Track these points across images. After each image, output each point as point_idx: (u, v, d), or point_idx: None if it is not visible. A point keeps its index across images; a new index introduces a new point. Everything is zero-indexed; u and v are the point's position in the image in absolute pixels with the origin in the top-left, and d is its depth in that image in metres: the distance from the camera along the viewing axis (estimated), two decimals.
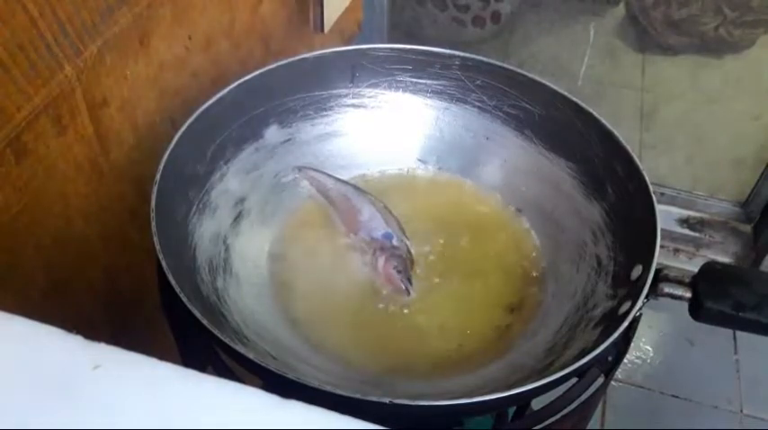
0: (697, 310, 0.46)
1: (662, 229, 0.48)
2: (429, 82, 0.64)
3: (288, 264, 0.56)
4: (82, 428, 0.24)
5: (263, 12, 0.71)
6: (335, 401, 0.37)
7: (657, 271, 0.47)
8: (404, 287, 0.53)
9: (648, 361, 1.13)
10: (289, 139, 0.62)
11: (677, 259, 1.25)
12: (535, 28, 1.60)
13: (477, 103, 0.63)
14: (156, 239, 0.44)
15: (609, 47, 1.63)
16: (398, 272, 0.53)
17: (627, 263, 0.51)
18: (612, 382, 0.51)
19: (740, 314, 0.45)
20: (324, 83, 0.62)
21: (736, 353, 1.14)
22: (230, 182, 0.57)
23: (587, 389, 0.46)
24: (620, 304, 0.48)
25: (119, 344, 0.26)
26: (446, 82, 0.63)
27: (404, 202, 0.61)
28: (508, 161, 0.63)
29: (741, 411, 1.06)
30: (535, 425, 0.44)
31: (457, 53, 0.62)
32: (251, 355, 0.39)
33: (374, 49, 0.62)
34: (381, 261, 0.54)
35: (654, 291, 0.46)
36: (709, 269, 0.47)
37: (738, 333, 1.15)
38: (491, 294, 0.55)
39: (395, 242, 0.56)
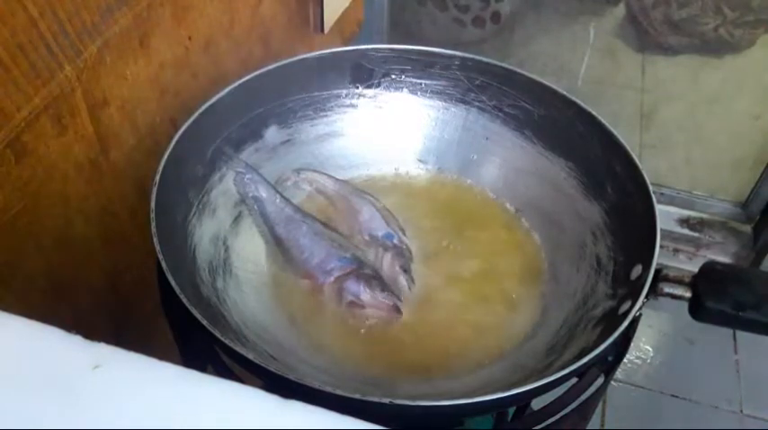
0: (697, 310, 0.46)
1: (662, 229, 0.48)
2: (429, 82, 0.64)
3: (287, 264, 0.56)
4: (82, 428, 0.24)
5: (263, 12, 0.72)
6: (336, 402, 0.37)
7: (657, 271, 0.47)
8: (408, 287, 0.53)
9: (648, 361, 1.13)
10: (288, 140, 0.62)
11: (677, 259, 1.25)
12: (535, 28, 1.60)
13: (477, 103, 0.63)
14: (155, 240, 0.44)
15: (609, 47, 1.63)
16: (404, 271, 0.53)
17: (627, 262, 0.51)
18: (612, 382, 0.51)
19: (740, 314, 0.45)
20: (324, 83, 0.62)
21: (736, 353, 1.14)
22: (230, 182, 0.57)
23: (587, 389, 0.46)
24: (620, 304, 0.48)
25: (119, 345, 0.26)
26: (446, 82, 0.63)
27: (404, 202, 0.61)
28: (508, 161, 0.63)
29: (741, 411, 1.06)
30: (535, 425, 0.44)
31: (457, 53, 0.62)
32: (251, 356, 0.39)
33: (374, 49, 0.62)
34: (386, 261, 0.54)
35: (654, 291, 0.46)
36: (709, 269, 0.47)
37: (738, 333, 1.15)
38: (491, 294, 0.55)
39: (395, 242, 0.56)
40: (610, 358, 0.47)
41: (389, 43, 0.62)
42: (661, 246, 0.47)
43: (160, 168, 0.48)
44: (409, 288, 0.53)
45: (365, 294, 0.51)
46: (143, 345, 0.26)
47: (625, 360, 0.49)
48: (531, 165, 0.61)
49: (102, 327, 0.57)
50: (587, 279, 0.53)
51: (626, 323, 0.43)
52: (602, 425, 1.04)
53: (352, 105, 0.64)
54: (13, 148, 0.43)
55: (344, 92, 0.63)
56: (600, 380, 0.47)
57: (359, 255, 0.54)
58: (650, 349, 1.14)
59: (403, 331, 0.52)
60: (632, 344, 0.49)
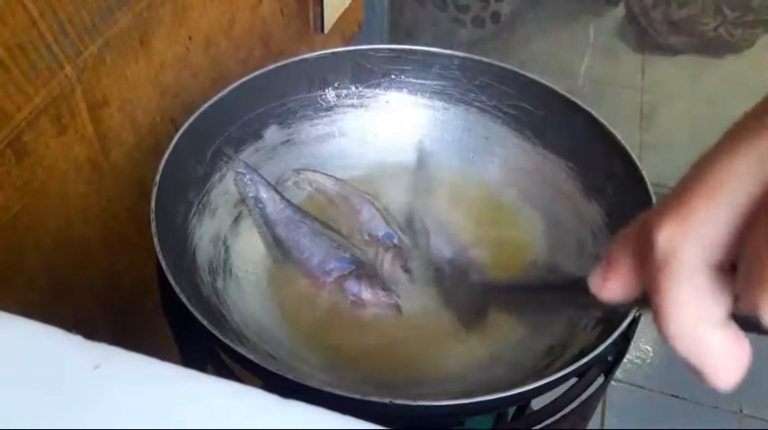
0: None
1: None
2: (429, 82, 0.64)
3: (287, 265, 0.56)
4: (82, 428, 0.24)
5: (263, 12, 0.72)
6: (335, 401, 0.37)
7: None
8: (408, 286, 0.53)
9: (648, 361, 1.13)
10: (288, 140, 0.62)
11: None
12: (535, 28, 1.60)
13: (477, 103, 0.63)
14: (155, 240, 0.44)
15: (609, 47, 1.63)
16: (406, 271, 0.53)
17: None
18: (612, 382, 0.50)
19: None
20: (323, 83, 0.62)
21: None
22: (230, 183, 0.57)
23: (587, 389, 0.46)
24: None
25: (119, 345, 0.26)
26: (446, 82, 0.63)
27: (403, 202, 0.61)
28: (508, 161, 0.63)
29: (741, 411, 1.06)
30: (535, 425, 0.44)
31: (457, 53, 0.62)
32: (251, 356, 0.39)
33: (374, 49, 0.62)
34: (386, 261, 0.54)
35: None
36: None
37: None
38: None
39: (395, 242, 0.56)
40: (610, 358, 0.47)
41: (389, 43, 0.62)
42: None
43: (160, 168, 0.48)
44: (410, 287, 0.53)
45: (366, 293, 0.51)
46: (143, 345, 0.26)
47: (625, 360, 0.49)
48: (531, 165, 0.61)
49: (102, 327, 0.57)
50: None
51: (626, 323, 0.43)
52: (602, 425, 1.04)
53: (353, 105, 0.64)
54: (14, 148, 0.43)
55: (344, 92, 0.63)
56: (600, 380, 0.47)
57: (359, 255, 0.54)
58: (650, 349, 1.14)
59: (403, 330, 0.52)
60: (632, 344, 0.49)
